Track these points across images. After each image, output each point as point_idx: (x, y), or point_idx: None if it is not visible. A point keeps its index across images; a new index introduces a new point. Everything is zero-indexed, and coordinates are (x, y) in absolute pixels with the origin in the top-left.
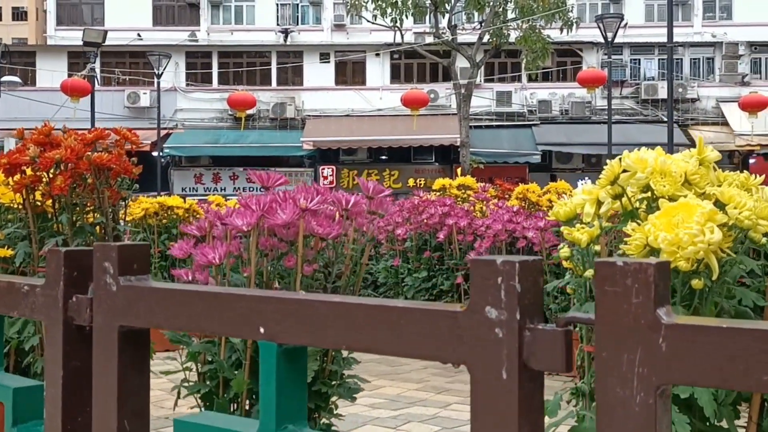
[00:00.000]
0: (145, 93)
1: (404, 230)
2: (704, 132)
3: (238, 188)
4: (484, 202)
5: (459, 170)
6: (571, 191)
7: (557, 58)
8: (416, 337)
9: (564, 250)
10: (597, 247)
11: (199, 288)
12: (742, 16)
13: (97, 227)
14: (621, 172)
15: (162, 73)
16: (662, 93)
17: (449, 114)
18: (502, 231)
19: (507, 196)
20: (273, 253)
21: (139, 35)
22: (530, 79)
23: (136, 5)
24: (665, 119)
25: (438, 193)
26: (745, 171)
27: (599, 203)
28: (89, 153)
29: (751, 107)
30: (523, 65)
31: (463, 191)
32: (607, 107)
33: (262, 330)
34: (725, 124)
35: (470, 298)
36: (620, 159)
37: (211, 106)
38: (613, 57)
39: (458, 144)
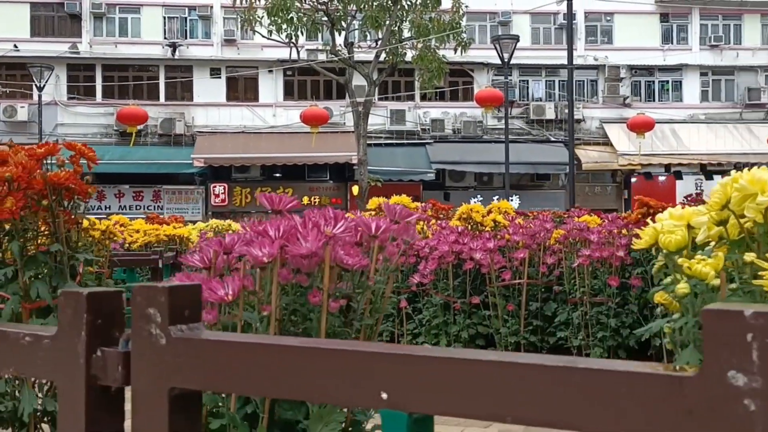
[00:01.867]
0: (23, 107)
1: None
2: (589, 152)
3: (124, 206)
4: (425, 222)
5: (355, 188)
6: (513, 210)
7: (449, 77)
8: (617, 410)
9: (683, 286)
10: (716, 281)
11: (283, 341)
12: (621, 41)
13: (51, 255)
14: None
15: (44, 85)
16: (549, 113)
17: (344, 132)
18: (448, 252)
19: (441, 215)
20: (292, 288)
21: (15, 46)
22: (423, 98)
23: (13, 15)
24: (553, 139)
25: (373, 213)
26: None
27: (689, 229)
28: (41, 170)
29: (639, 128)
30: (416, 84)
31: None
32: (498, 126)
33: (384, 396)
34: (609, 144)
35: (704, 360)
36: (732, 180)
37: (94, 120)
38: (504, 78)
39: (354, 162)
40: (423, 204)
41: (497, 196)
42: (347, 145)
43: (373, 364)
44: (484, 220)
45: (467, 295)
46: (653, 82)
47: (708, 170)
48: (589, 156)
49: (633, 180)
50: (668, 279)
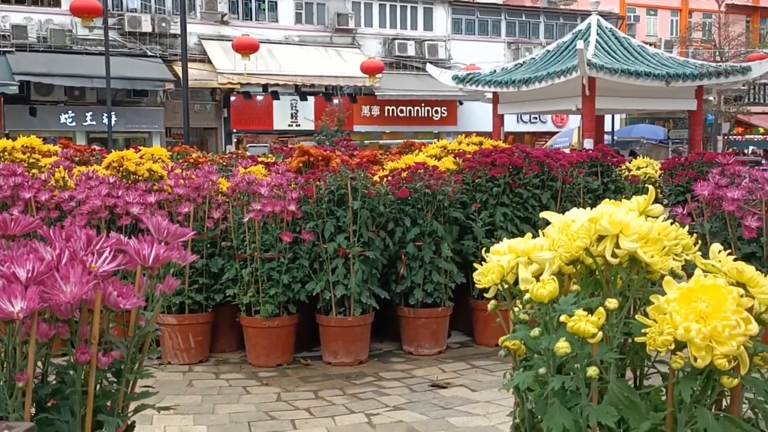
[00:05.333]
0: None
1: None
2: (189, 69)
3: None
4: (67, 170)
5: None
6: (168, 157)
7: None
8: None
9: (563, 346)
10: (598, 338)
11: None
12: None
13: None
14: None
15: None
16: (146, 26)
17: None
18: (101, 207)
19: (76, 158)
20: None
21: None
22: (3, 1)
23: None
24: (150, 53)
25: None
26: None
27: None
28: None
29: (244, 49)
30: None
31: (29, 154)
32: (89, 37)
33: None
34: (209, 61)
35: None
36: (591, 220)
37: None
38: None
39: None
40: (63, 149)
41: (91, 113)
42: None
43: None
44: (138, 168)
45: None
46: (250, 0)
47: (302, 91)
48: (189, 74)
49: (232, 99)
50: (536, 331)
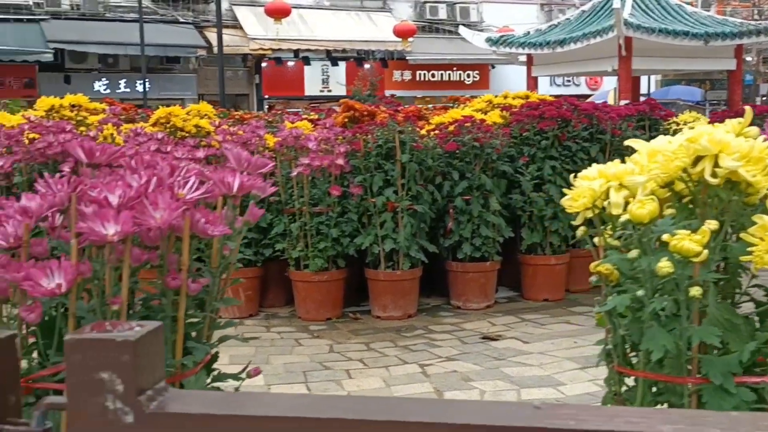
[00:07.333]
0: None
1: (7, 161)
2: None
3: None
4: (115, 127)
5: None
6: (213, 113)
7: None
8: None
9: (665, 265)
10: (702, 257)
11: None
12: None
13: None
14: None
15: None
16: None
17: None
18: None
19: (122, 116)
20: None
21: None
22: None
23: None
24: (182, 20)
25: (46, 115)
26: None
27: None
28: None
29: (276, 14)
30: None
31: (76, 112)
32: (122, 4)
33: None
34: (240, 27)
35: None
36: (690, 140)
37: None
38: None
39: None
40: (110, 107)
41: (125, 80)
42: None
43: None
44: (185, 124)
45: None
46: None
47: (333, 56)
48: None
49: (264, 65)
50: (634, 252)
